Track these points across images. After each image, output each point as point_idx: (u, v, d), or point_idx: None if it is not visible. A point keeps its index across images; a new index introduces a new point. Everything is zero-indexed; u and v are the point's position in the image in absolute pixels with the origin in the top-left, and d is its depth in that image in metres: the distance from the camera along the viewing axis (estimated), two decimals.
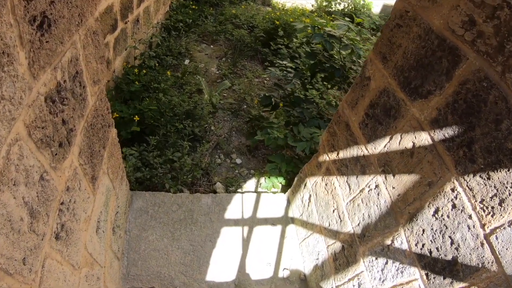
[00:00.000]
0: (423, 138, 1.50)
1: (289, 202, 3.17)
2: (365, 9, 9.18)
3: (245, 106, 4.71)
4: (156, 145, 3.34)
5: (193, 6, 6.62)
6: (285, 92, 3.89)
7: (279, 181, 3.44)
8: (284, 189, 3.45)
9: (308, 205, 2.76)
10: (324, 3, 8.78)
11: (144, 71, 4.36)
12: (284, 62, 4.21)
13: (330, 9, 8.71)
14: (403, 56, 1.67)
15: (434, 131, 1.44)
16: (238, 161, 3.82)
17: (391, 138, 1.74)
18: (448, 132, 1.37)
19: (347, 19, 4.05)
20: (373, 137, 1.89)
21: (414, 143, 1.56)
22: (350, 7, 8.96)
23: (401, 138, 1.66)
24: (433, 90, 1.46)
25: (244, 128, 4.30)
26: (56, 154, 1.21)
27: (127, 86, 3.98)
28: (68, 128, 1.31)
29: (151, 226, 2.78)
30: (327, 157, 2.45)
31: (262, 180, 3.61)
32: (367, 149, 1.95)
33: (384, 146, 1.78)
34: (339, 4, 8.80)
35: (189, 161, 3.26)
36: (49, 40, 1.07)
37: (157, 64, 4.77)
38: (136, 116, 3.38)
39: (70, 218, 1.42)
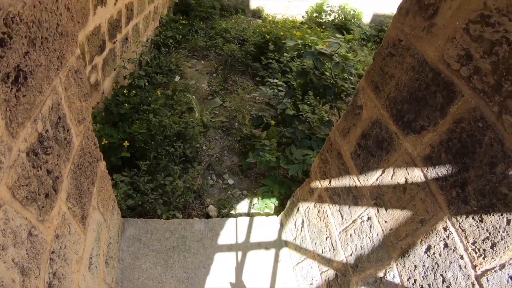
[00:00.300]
0: (416, 175, 1.49)
1: (282, 225, 3.15)
2: (355, 19, 9.25)
3: (236, 124, 4.70)
4: (147, 170, 3.30)
5: (183, 21, 6.62)
6: (276, 111, 3.89)
7: (272, 202, 3.42)
8: (277, 210, 3.43)
9: (301, 230, 2.74)
10: (315, 14, 8.84)
11: (134, 91, 4.34)
12: (275, 80, 4.21)
13: (321, 20, 8.76)
14: (396, 87, 1.65)
15: (427, 169, 1.43)
16: (231, 181, 3.80)
17: (383, 172, 1.72)
18: (442, 171, 1.35)
19: (338, 35, 4.05)
20: (365, 169, 1.88)
21: (406, 179, 1.55)
22: (340, 17, 9.03)
23: (394, 172, 1.64)
24: (427, 126, 1.44)
25: (235, 147, 4.29)
26: (43, 207, 1.18)
27: (116, 108, 3.95)
28: (53, 176, 1.28)
29: (144, 254, 2.75)
30: (319, 184, 2.44)
31: (255, 200, 3.59)
32: (359, 180, 1.94)
33: (377, 179, 1.77)
34: (329, 15, 8.86)
35: (181, 185, 3.23)
36: (26, 93, 1.03)
37: (147, 84, 4.75)
38: (126, 142, 3.35)
39: (61, 264, 1.39)
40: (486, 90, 1.18)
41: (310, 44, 3.86)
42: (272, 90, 4.09)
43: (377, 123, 1.79)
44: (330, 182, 2.28)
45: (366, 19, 9.81)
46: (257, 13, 8.46)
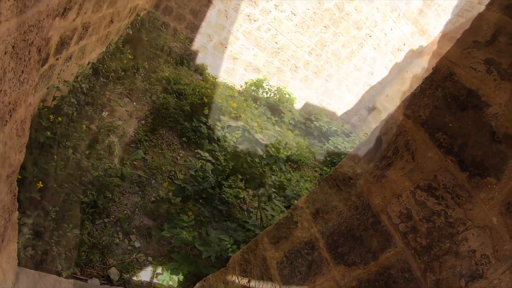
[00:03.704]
0: None
1: None
2: (288, 103, 10.09)
3: (153, 182, 4.83)
4: (55, 216, 3.27)
5: (130, 56, 6.73)
6: (199, 186, 4.14)
7: (178, 277, 3.55)
8: (181, 286, 3.56)
9: None
10: (253, 88, 9.52)
11: (60, 118, 4.30)
12: (205, 154, 4.51)
13: (257, 95, 9.45)
14: (336, 219, 1.93)
15: None
16: (137, 244, 3.87)
17: None
18: None
19: (277, 128, 4.55)
20: (290, 282, 2.12)
21: None
22: (275, 97, 9.81)
23: None
24: (358, 263, 1.74)
25: (149, 207, 4.39)
26: None
27: (36, 133, 3.88)
28: None
29: None
30: (237, 279, 2.66)
31: (159, 269, 3.69)
32: None
33: None
34: (266, 93, 9.61)
35: (87, 240, 3.25)
36: None
37: (75, 113, 4.72)
38: (40, 183, 3.30)
39: None
40: (417, 249, 1.54)
41: (250, 130, 4.26)
42: (200, 164, 4.36)
43: (310, 245, 2.04)
44: (249, 282, 2.50)
45: (298, 105, 10.75)
46: (200, 69, 8.89)
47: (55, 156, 3.76)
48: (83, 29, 4.58)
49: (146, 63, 7.15)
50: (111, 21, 5.64)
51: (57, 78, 4.41)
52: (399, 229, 1.64)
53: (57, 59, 4.17)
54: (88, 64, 5.60)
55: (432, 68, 1.97)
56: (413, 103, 1.96)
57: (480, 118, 1.65)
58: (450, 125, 1.76)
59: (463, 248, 1.49)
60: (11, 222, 2.01)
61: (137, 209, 4.26)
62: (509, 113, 1.55)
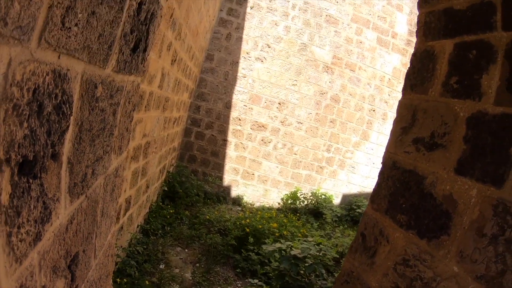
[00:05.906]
0: None
1: None
2: (326, 202, 10.62)
3: None
4: None
5: (171, 210, 7.70)
6: None
7: None
8: None
9: None
10: (290, 201, 10.21)
11: (125, 279, 5.05)
12: (255, 281, 5.06)
13: (295, 206, 10.10)
14: None
15: None
16: None
17: None
18: None
19: (310, 239, 5.10)
20: None
21: None
22: (313, 202, 10.40)
23: None
24: None
25: None
26: None
27: None
28: None
29: None
30: None
31: None
32: None
33: None
34: (303, 202, 10.25)
35: None
36: None
37: (137, 273, 5.47)
38: None
39: None
40: None
41: (285, 249, 4.87)
42: None
43: None
44: None
45: (336, 200, 11.24)
46: (237, 201, 9.78)
47: None
48: (126, 203, 5.57)
49: (187, 211, 8.10)
50: (147, 187, 6.72)
51: (116, 247, 5.27)
52: None
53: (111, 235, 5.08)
54: (137, 227, 6.51)
55: (381, 163, 2.65)
56: (375, 198, 2.62)
57: (422, 191, 2.27)
58: (403, 206, 2.39)
59: None
60: None
61: None
62: (441, 177, 2.14)
